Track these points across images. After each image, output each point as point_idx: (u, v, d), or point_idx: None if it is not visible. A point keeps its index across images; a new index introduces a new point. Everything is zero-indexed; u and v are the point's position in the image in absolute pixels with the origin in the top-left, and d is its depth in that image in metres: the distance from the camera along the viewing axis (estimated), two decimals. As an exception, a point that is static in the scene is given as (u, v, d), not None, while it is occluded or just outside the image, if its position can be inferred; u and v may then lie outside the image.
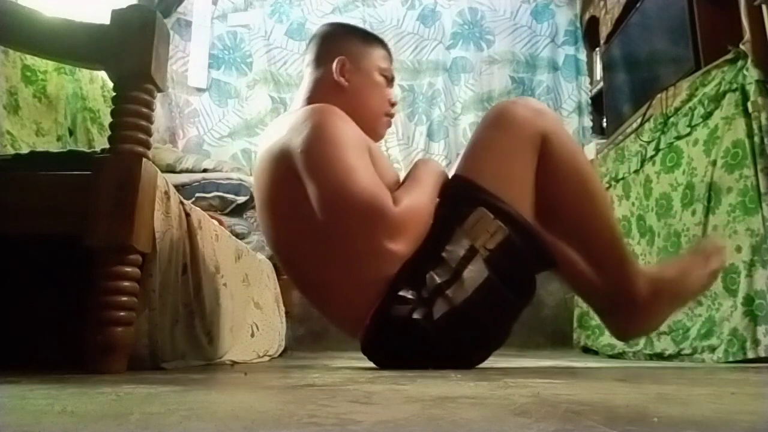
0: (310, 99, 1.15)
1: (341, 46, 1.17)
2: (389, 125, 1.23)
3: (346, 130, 1.01)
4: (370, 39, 1.23)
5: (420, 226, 0.99)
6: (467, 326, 0.96)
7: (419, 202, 1.00)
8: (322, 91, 1.14)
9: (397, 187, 1.05)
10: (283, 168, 1.02)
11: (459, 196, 1.02)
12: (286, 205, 1.03)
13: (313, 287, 1.10)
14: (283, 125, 1.06)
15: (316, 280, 1.06)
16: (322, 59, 1.17)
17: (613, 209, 1.29)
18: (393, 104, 1.21)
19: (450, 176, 1.09)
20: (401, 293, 0.97)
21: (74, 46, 0.98)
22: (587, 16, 2.79)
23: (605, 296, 1.13)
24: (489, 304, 0.97)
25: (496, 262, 0.96)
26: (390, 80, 1.21)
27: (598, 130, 2.76)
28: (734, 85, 1.43)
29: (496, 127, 1.05)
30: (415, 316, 0.95)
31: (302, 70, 1.24)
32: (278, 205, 1.05)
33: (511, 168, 1.02)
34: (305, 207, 0.99)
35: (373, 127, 1.15)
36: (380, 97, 1.18)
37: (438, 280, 0.96)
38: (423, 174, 1.08)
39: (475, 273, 0.95)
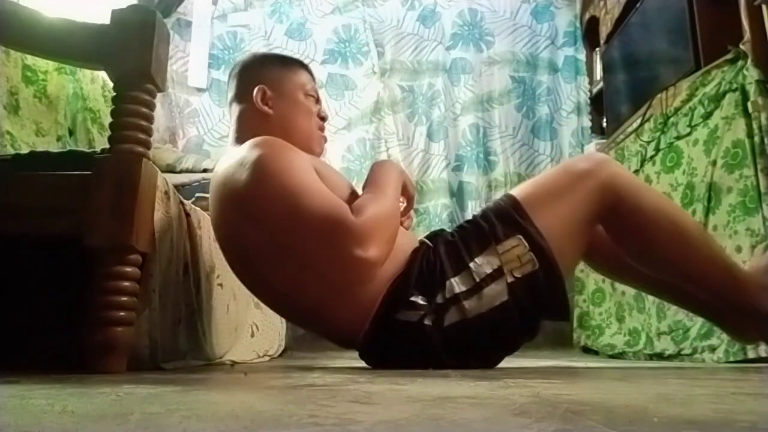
0: (240, 134, 1.12)
1: (259, 76, 1.15)
2: (325, 140, 1.21)
3: (287, 157, 0.99)
4: (289, 63, 1.21)
5: (389, 229, 0.98)
6: (471, 341, 0.97)
7: (381, 206, 0.99)
8: (249, 124, 1.12)
9: (354, 196, 1.05)
10: (236, 213, 1.00)
11: (506, 216, 1.02)
12: (251, 248, 1.01)
13: (303, 315, 1.09)
14: (229, 160, 1.03)
15: (305, 308, 1.04)
16: (242, 93, 1.15)
17: (707, 235, 1.24)
18: (323, 119, 1.20)
19: (505, 193, 1.09)
20: (413, 299, 0.97)
21: (74, 46, 0.98)
22: (587, 16, 2.79)
23: (726, 314, 1.10)
24: (497, 327, 0.97)
25: (517, 290, 0.96)
26: (317, 100, 1.20)
27: (598, 130, 2.76)
28: (734, 85, 1.43)
29: (562, 172, 1.06)
30: (426, 322, 0.95)
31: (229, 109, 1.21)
32: (242, 250, 1.04)
33: (564, 210, 1.01)
34: (270, 245, 0.98)
35: (308, 147, 1.12)
36: (307, 116, 1.16)
37: (457, 288, 0.96)
38: (381, 177, 1.07)
39: (495, 292, 0.96)
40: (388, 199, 1.02)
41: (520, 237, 0.98)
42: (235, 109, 1.16)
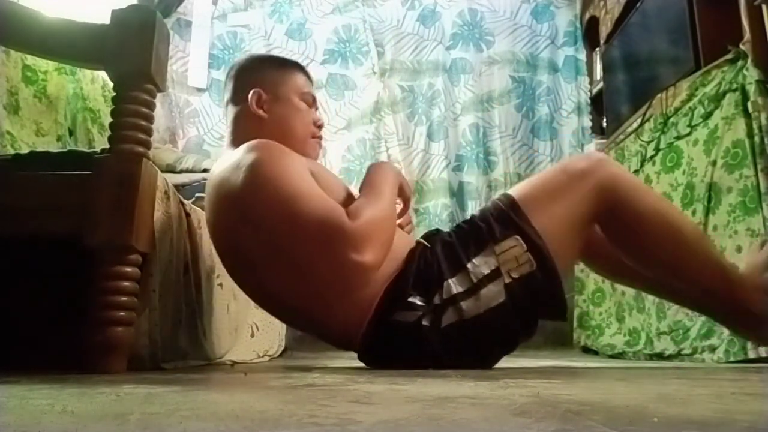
0: (235, 137, 1.12)
1: (255, 78, 1.15)
2: (319, 146, 1.21)
3: (282, 161, 0.99)
4: (286, 65, 1.21)
5: (386, 232, 0.98)
6: (469, 342, 0.97)
7: (378, 208, 0.99)
8: (244, 126, 1.12)
9: (350, 198, 1.05)
10: (233, 215, 1.00)
11: (503, 216, 1.01)
12: (247, 251, 1.01)
13: (301, 318, 1.08)
14: (224, 164, 1.03)
15: (301, 310, 1.04)
16: (238, 95, 1.15)
17: (704, 236, 1.24)
18: (319, 126, 1.19)
19: (503, 192, 1.09)
20: (410, 299, 0.97)
21: (74, 46, 0.98)
22: (587, 16, 2.79)
23: (727, 317, 1.10)
24: (495, 328, 0.97)
25: (515, 291, 0.96)
26: (313, 102, 1.20)
27: (598, 130, 2.76)
28: (734, 85, 1.43)
29: (560, 171, 1.05)
30: (424, 322, 0.95)
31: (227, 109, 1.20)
32: (239, 253, 1.03)
33: (562, 210, 1.01)
34: (266, 248, 0.98)
35: (303, 151, 1.11)
36: (302, 121, 1.16)
37: (455, 289, 0.96)
38: (378, 179, 1.07)
39: (493, 293, 0.96)
40: (384, 201, 1.02)
41: (518, 237, 0.98)
42: (231, 110, 1.16)
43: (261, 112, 1.13)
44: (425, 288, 0.98)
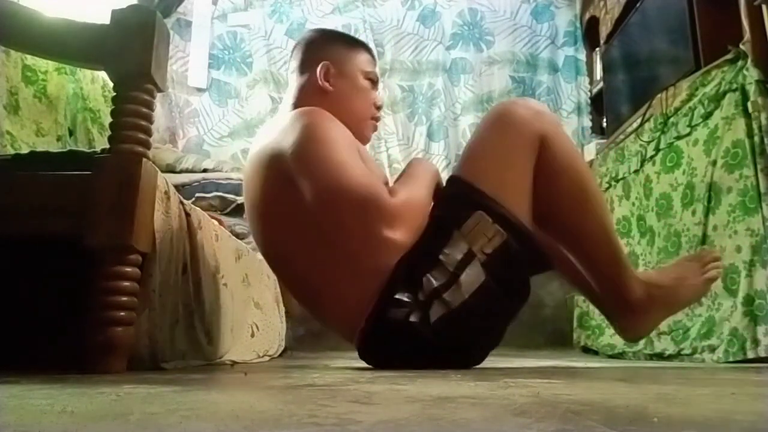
0: (297, 105, 1.15)
1: (325, 52, 1.18)
2: (375, 129, 1.23)
3: (335, 130, 1.01)
4: (354, 43, 1.23)
5: (418, 218, 0.99)
6: (463, 329, 0.97)
7: (416, 194, 1.01)
8: (307, 97, 1.14)
9: (386, 186, 1.06)
10: (274, 171, 1.02)
11: (458, 199, 1.02)
12: (281, 207, 1.03)
13: (308, 290, 1.09)
14: (272, 129, 1.07)
15: (312, 281, 1.05)
16: (306, 65, 1.18)
17: (610, 213, 1.28)
18: (378, 107, 1.22)
19: (448, 177, 1.09)
20: (397, 296, 0.96)
21: (74, 46, 0.98)
22: (587, 16, 2.79)
23: (603, 297, 1.14)
24: (485, 308, 0.97)
25: (493, 266, 0.96)
26: (375, 83, 1.22)
27: (598, 130, 2.76)
28: (734, 85, 1.43)
29: (496, 129, 1.05)
30: (412, 319, 0.95)
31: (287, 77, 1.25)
32: (272, 207, 1.05)
33: (510, 171, 1.02)
34: (299, 208, 0.99)
35: (359, 130, 1.14)
36: (365, 100, 1.19)
37: (435, 283, 0.96)
38: (419, 171, 1.08)
39: (472, 277, 0.95)
40: (423, 189, 1.04)
41: (480, 213, 0.97)
42: (295, 80, 1.19)
43: (327, 85, 1.15)
44: (410, 284, 0.98)
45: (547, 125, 1.04)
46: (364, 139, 1.18)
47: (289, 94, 1.20)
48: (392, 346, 0.98)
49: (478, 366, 1.05)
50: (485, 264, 0.96)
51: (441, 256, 0.97)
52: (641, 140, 1.86)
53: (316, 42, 1.21)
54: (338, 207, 0.95)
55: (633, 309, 1.10)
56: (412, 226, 0.97)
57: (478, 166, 1.03)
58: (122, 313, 0.88)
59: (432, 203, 1.08)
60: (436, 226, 1.01)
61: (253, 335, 1.54)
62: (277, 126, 1.06)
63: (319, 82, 1.14)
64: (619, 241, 1.13)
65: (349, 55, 1.19)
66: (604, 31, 2.50)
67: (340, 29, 2.87)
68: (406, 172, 1.09)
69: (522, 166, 1.02)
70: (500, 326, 1.03)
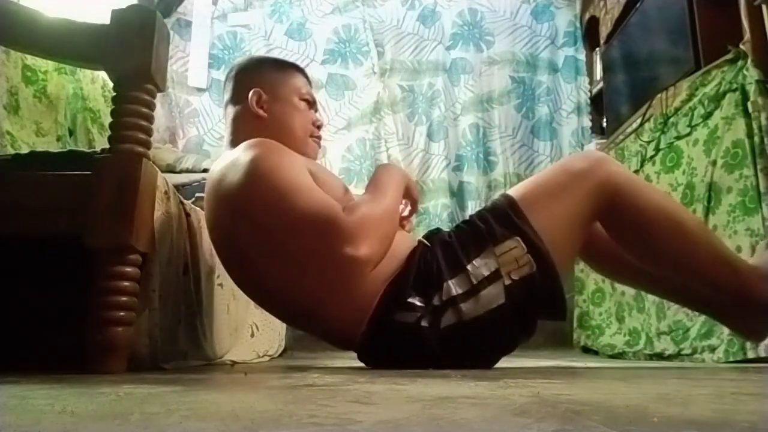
0: (235, 137, 1.13)
1: (255, 79, 1.16)
2: (318, 146, 1.21)
3: (277, 158, 0.99)
4: (285, 66, 1.22)
5: (382, 230, 0.98)
6: (468, 342, 0.97)
7: (377, 207, 0.99)
8: (244, 126, 1.13)
9: (348, 197, 1.06)
10: (230, 214, 1.01)
11: (504, 217, 1.01)
12: (245, 248, 1.01)
13: (300, 316, 1.08)
14: (222, 167, 1.04)
15: (300, 308, 1.04)
16: (237, 95, 1.16)
17: (709, 231, 1.23)
18: (319, 126, 1.21)
19: (503, 192, 1.10)
20: (410, 300, 0.96)
21: (74, 46, 0.98)
22: (587, 16, 2.79)
23: (728, 310, 1.09)
24: (494, 329, 0.97)
25: (515, 293, 0.96)
26: (311, 104, 1.21)
27: (598, 130, 2.76)
28: (734, 85, 1.43)
29: (561, 170, 1.05)
30: (423, 323, 0.95)
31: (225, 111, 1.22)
32: (237, 250, 1.04)
33: (562, 210, 1.01)
34: (264, 244, 0.98)
35: (301, 150, 1.12)
36: (302, 121, 1.17)
37: (455, 291, 0.96)
38: (382, 179, 1.08)
39: (493, 295, 0.96)
40: (386, 199, 1.02)
41: (518, 238, 0.98)
42: (230, 111, 1.17)
43: (261, 111, 1.14)
44: (425, 288, 0.97)
45: (609, 170, 1.02)
46: (311, 157, 1.16)
47: (226, 130, 1.18)
48: (395, 348, 0.97)
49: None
50: (508, 288, 0.96)
51: (469, 267, 0.97)
52: (641, 140, 1.86)
53: (245, 70, 1.20)
54: (297, 235, 0.95)
55: (762, 302, 1.02)
56: (377, 238, 0.96)
57: (534, 197, 1.03)
58: (122, 313, 0.88)
59: (407, 207, 1.10)
60: (474, 234, 1.01)
61: (253, 335, 1.54)
62: (227, 159, 1.04)
63: (253, 110, 1.13)
64: (727, 250, 1.08)
65: (282, 79, 1.18)
66: (604, 31, 2.50)
67: (340, 29, 2.89)
68: (371, 182, 1.09)
69: (576, 208, 1.01)
70: (498, 352, 1.04)
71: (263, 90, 1.14)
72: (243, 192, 0.97)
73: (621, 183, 1.02)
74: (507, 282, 0.96)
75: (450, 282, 0.97)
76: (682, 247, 1.02)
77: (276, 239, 0.97)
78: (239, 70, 1.20)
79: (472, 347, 0.98)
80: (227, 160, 1.02)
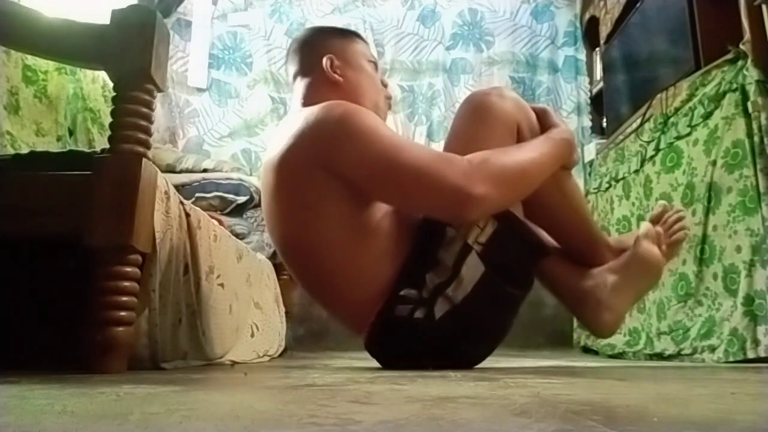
0: (308, 104, 1.10)
1: (323, 47, 1.16)
2: (389, 107, 1.23)
3: (370, 117, 0.98)
4: (347, 33, 1.24)
5: (506, 177, 0.95)
6: (469, 323, 0.97)
7: (505, 157, 0.97)
8: (319, 94, 1.10)
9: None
10: (308, 165, 0.97)
11: None
12: (308, 199, 0.99)
13: (322, 279, 1.05)
14: (289, 129, 1.01)
15: (326, 271, 1.02)
16: (308, 65, 1.16)
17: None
18: (386, 85, 1.23)
19: None
20: (403, 292, 0.97)
21: (74, 46, 0.98)
22: (587, 16, 2.79)
23: (576, 289, 1.13)
24: (489, 300, 0.97)
25: (490, 256, 0.96)
26: (376, 66, 1.22)
27: (598, 130, 2.76)
28: (734, 85, 1.43)
29: (476, 120, 1.05)
30: (417, 315, 0.95)
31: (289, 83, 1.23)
32: (297, 198, 1.00)
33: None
34: (330, 199, 0.97)
35: (377, 113, 1.12)
36: (375, 83, 1.19)
37: (437, 280, 0.97)
38: (536, 141, 1.05)
39: (472, 270, 0.96)
40: (521, 154, 0.99)
41: None
42: (301, 83, 1.16)
43: (337, 76, 1.13)
44: (415, 280, 0.98)
45: (522, 113, 1.06)
46: (382, 118, 1.17)
47: (296, 98, 1.17)
48: (399, 342, 0.98)
49: (478, 366, 1.05)
50: (482, 255, 0.96)
51: (438, 255, 0.97)
52: (641, 140, 1.86)
53: (310, 40, 1.20)
54: (403, 182, 0.93)
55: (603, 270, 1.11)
56: (496, 184, 0.93)
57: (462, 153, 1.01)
58: (122, 313, 0.88)
59: (538, 169, 1.04)
60: (428, 227, 1.01)
61: (253, 335, 1.54)
62: (304, 117, 0.99)
63: (329, 76, 1.13)
64: (590, 217, 1.20)
65: (348, 44, 1.19)
66: (604, 31, 2.50)
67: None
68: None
69: (503, 146, 1.01)
70: (504, 318, 1.03)
71: (335, 56, 1.15)
72: (336, 146, 0.94)
73: (524, 122, 1.06)
74: (478, 249, 0.96)
75: (430, 273, 0.97)
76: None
77: (367, 186, 0.96)
78: (304, 41, 1.20)
79: (475, 325, 0.98)
80: (305, 119, 0.98)
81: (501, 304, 1.00)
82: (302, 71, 1.17)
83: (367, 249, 0.99)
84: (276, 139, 1.05)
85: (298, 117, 1.01)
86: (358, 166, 0.94)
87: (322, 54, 1.15)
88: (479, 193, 0.90)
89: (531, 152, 1.00)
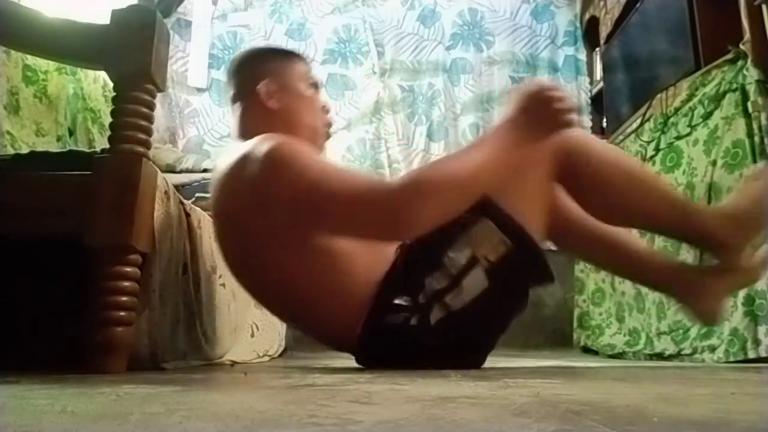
0: (244, 132, 1.08)
1: (260, 71, 1.12)
2: (328, 136, 1.18)
3: (300, 149, 0.96)
4: (286, 54, 1.19)
5: (439, 192, 0.91)
6: (461, 332, 0.97)
7: (438, 168, 0.95)
8: (253, 121, 1.08)
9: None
10: (242, 204, 0.97)
11: None
12: (255, 235, 0.97)
13: (297, 311, 1.06)
14: (235, 158, 0.99)
15: (299, 301, 1.01)
16: (244, 91, 1.12)
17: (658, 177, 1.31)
18: (327, 110, 1.17)
19: None
20: (396, 301, 0.96)
21: (74, 46, 0.98)
22: (587, 16, 2.79)
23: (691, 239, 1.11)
24: (485, 313, 0.97)
25: (496, 274, 0.96)
26: (317, 87, 1.17)
27: (598, 130, 2.76)
28: (734, 85, 1.43)
29: None
30: (412, 322, 0.95)
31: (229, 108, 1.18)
32: (244, 239, 1.00)
33: (522, 181, 1.00)
34: (279, 231, 0.95)
35: (313, 140, 1.09)
36: (313, 108, 1.14)
37: (437, 286, 0.96)
38: (476, 140, 1.05)
39: (475, 282, 0.96)
40: (457, 161, 0.95)
41: (487, 219, 0.97)
42: (238, 107, 1.13)
43: (273, 102, 1.09)
44: (409, 287, 0.97)
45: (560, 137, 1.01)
46: (321, 149, 1.14)
47: (233, 126, 1.14)
48: (392, 350, 0.97)
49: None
50: (488, 271, 0.96)
51: (445, 259, 0.97)
52: (641, 140, 1.86)
53: (249, 63, 1.16)
54: (335, 210, 0.91)
55: (728, 245, 1.03)
56: (426, 201, 0.91)
57: None
58: (122, 313, 0.88)
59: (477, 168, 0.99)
60: (441, 229, 1.00)
61: (253, 335, 1.54)
62: (239, 152, 0.98)
63: (264, 103, 1.08)
64: (681, 198, 1.15)
65: (287, 67, 1.14)
66: (604, 31, 2.50)
67: (340, 29, 2.88)
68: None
69: (535, 176, 1.01)
70: (495, 331, 1.04)
71: (271, 81, 1.10)
72: (263, 180, 0.93)
73: (573, 143, 1.02)
74: (485, 265, 0.96)
75: (430, 278, 0.96)
76: (639, 197, 1.04)
77: (301, 221, 0.93)
78: (240, 65, 1.17)
79: (467, 335, 0.98)
80: (239, 153, 0.97)
81: (496, 318, 1.01)
82: (239, 96, 1.13)
83: (337, 267, 0.96)
84: (217, 173, 1.03)
85: (231, 158, 0.99)
86: (292, 200, 0.92)
87: (258, 79, 1.10)
88: (408, 214, 0.89)
89: (469, 155, 0.96)
